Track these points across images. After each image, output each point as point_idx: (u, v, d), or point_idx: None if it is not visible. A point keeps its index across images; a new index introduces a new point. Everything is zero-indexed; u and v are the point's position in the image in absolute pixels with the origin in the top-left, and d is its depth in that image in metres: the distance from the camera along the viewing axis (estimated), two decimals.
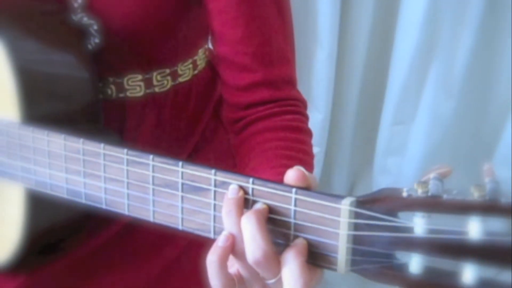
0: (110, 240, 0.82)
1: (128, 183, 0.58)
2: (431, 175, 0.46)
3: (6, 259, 0.74)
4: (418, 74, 1.62)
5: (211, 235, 0.54)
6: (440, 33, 1.57)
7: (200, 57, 0.91)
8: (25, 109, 0.68)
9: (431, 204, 0.43)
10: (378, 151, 1.77)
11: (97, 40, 0.77)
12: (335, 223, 0.46)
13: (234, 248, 0.50)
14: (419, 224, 0.44)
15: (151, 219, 0.58)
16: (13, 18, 0.74)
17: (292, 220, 0.48)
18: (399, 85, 1.64)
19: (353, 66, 1.70)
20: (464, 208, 0.42)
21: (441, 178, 0.45)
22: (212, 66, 0.94)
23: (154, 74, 0.83)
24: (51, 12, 0.77)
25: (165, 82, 0.85)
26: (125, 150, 0.58)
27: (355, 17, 1.63)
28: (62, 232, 0.77)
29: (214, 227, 0.53)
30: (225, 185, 0.52)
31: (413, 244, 0.44)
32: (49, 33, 0.75)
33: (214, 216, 0.53)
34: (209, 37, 0.87)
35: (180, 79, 0.87)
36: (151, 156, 0.56)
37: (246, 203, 0.50)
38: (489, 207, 0.41)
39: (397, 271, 0.45)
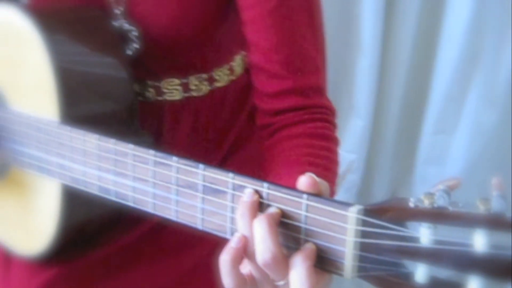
0: (141, 238, 0.85)
1: (154, 183, 0.61)
2: (440, 187, 0.47)
3: (40, 250, 0.78)
4: (461, 83, 1.60)
5: (228, 236, 0.56)
6: (483, 43, 1.54)
7: (237, 63, 0.93)
8: (64, 109, 0.72)
9: (437, 215, 0.44)
10: (419, 160, 1.76)
11: (136, 46, 0.81)
12: (343, 230, 0.47)
13: (246, 249, 0.52)
14: (425, 235, 0.45)
15: (174, 218, 0.60)
16: (59, 22, 0.78)
17: (303, 225, 0.50)
18: (442, 94, 1.63)
19: (396, 74, 1.69)
20: (469, 221, 0.43)
21: (449, 190, 0.46)
22: (249, 72, 0.96)
23: (191, 78, 0.86)
24: (94, 18, 0.81)
25: (202, 86, 0.87)
26: (152, 152, 0.61)
27: (399, 25, 1.63)
28: (95, 227, 0.81)
29: (231, 228, 0.55)
30: (242, 188, 0.54)
31: (418, 254, 0.45)
32: (91, 37, 0.79)
33: (231, 218, 0.55)
34: None
35: (217, 84, 0.89)
36: (175, 158, 0.59)
37: (260, 206, 0.52)
38: (493, 221, 0.42)
39: (402, 280, 0.46)
